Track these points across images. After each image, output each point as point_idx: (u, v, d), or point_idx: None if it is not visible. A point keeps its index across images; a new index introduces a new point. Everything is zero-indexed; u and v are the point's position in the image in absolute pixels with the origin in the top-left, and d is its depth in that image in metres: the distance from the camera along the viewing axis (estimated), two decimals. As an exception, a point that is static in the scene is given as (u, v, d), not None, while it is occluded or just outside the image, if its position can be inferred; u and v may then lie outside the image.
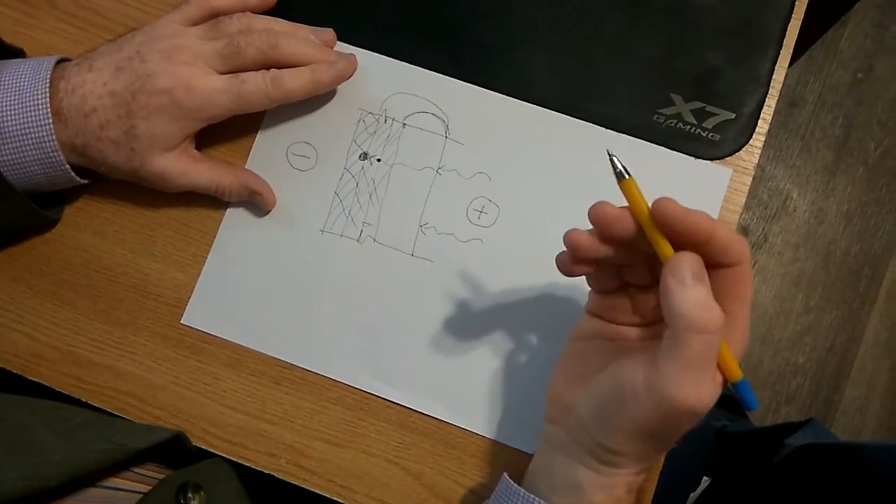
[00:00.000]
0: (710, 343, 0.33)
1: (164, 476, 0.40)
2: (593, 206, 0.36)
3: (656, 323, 0.39)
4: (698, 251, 0.34)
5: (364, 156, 0.49)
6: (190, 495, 0.38)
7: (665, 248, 0.35)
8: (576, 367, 0.40)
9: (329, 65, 0.46)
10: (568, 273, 0.39)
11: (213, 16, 0.47)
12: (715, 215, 0.47)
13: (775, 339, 1.27)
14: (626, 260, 0.38)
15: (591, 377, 0.39)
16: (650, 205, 0.35)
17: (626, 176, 0.36)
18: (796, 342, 1.27)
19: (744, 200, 0.48)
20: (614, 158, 0.36)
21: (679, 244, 0.35)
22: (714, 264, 0.35)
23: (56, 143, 0.42)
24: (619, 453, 0.36)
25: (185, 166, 0.45)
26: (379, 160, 0.49)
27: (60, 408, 0.42)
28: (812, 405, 1.25)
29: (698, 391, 0.33)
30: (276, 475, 0.46)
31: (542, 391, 0.45)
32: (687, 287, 0.33)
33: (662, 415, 0.34)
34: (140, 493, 0.38)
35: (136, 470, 0.40)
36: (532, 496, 0.38)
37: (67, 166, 0.43)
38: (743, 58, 0.49)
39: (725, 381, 0.36)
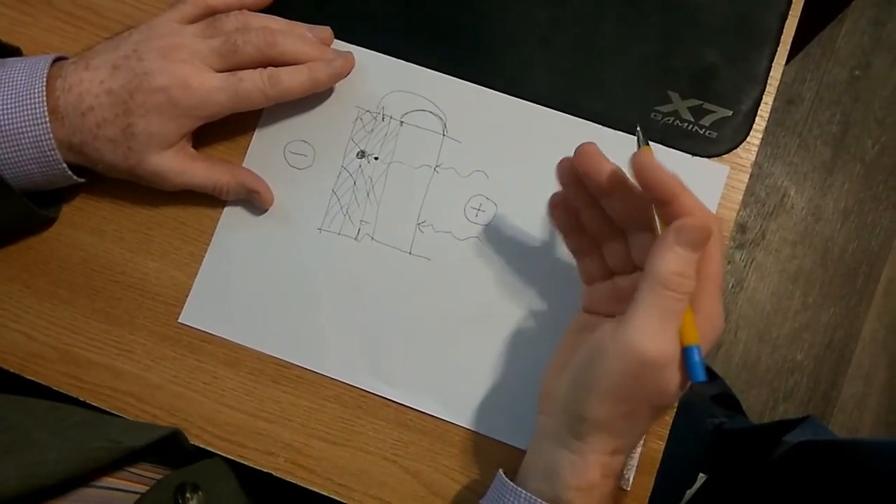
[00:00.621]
0: (676, 300, 0.35)
1: (161, 476, 0.40)
2: (583, 143, 0.39)
3: None
4: (664, 213, 0.37)
5: (361, 154, 0.49)
6: (188, 495, 0.38)
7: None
8: (564, 358, 0.41)
9: (326, 63, 0.46)
10: (553, 207, 0.43)
11: (210, 14, 0.47)
12: (712, 212, 0.47)
13: (773, 336, 1.27)
14: (602, 228, 0.41)
15: (571, 360, 0.40)
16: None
17: (644, 145, 0.39)
18: (794, 339, 1.27)
19: (741, 198, 0.48)
20: (640, 132, 0.40)
21: (651, 200, 0.37)
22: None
23: (53, 141, 0.42)
24: (591, 421, 0.37)
25: (182, 165, 0.45)
26: (376, 158, 0.49)
27: (57, 408, 0.42)
28: (810, 402, 1.25)
29: (657, 341, 0.35)
30: (274, 474, 0.46)
31: (538, 389, 0.45)
32: (677, 253, 0.35)
33: (626, 367, 0.35)
34: (137, 493, 0.38)
35: (134, 470, 0.40)
36: (521, 490, 0.38)
37: (65, 165, 0.43)
38: (740, 55, 0.49)
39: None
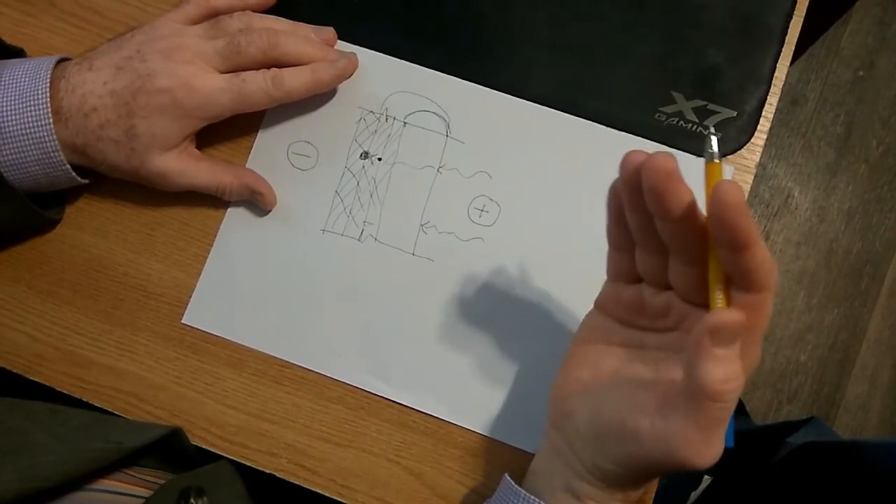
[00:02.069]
0: (723, 409, 0.32)
1: (164, 480, 0.40)
2: (660, 153, 0.32)
3: (662, 331, 0.38)
4: (727, 256, 0.32)
5: (365, 155, 0.49)
6: (192, 500, 0.38)
7: (716, 271, 0.33)
8: (579, 372, 0.40)
9: (330, 64, 0.46)
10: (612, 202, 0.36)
11: (213, 15, 0.47)
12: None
13: (777, 338, 1.27)
14: (644, 238, 0.35)
15: (594, 385, 0.38)
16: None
17: (716, 160, 0.33)
18: (798, 340, 1.26)
19: (745, 199, 0.48)
20: (713, 138, 0.34)
21: (714, 237, 0.32)
22: (737, 282, 0.33)
23: (56, 142, 0.42)
24: (612, 475, 0.36)
25: (185, 166, 0.45)
26: (380, 159, 0.49)
27: (58, 410, 0.42)
28: (814, 403, 1.25)
29: (705, 450, 0.33)
30: (276, 475, 0.46)
31: (543, 390, 0.45)
32: (719, 359, 0.31)
33: (664, 463, 0.34)
34: (140, 496, 0.38)
35: (136, 473, 0.40)
36: (533, 498, 0.38)
37: (68, 166, 0.43)
38: (744, 56, 0.49)
39: (739, 423, 0.36)
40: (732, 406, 0.32)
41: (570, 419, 0.38)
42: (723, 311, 0.31)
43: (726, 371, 0.31)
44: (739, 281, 0.32)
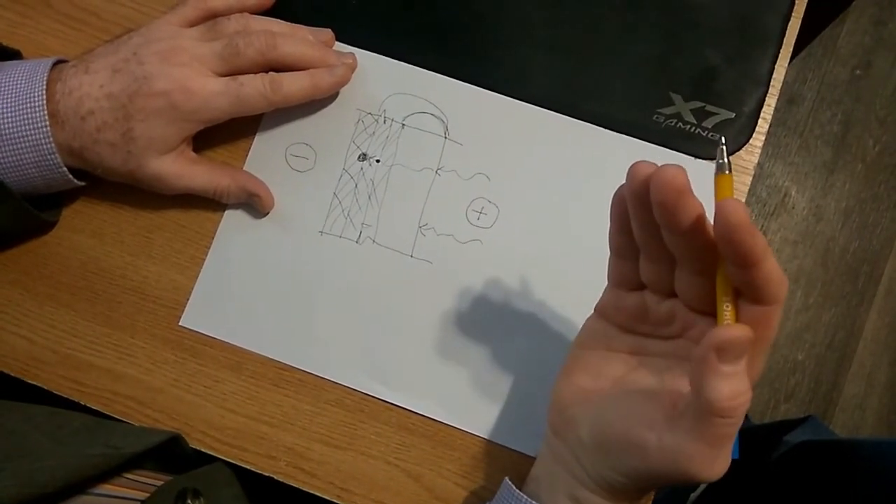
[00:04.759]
0: (731, 424, 0.31)
1: (161, 482, 0.40)
2: (670, 166, 0.31)
3: (666, 338, 0.37)
4: (735, 272, 0.31)
5: (363, 157, 0.49)
6: (189, 501, 0.38)
7: (724, 283, 0.32)
8: (580, 379, 0.39)
9: (328, 70, 0.46)
10: (616, 207, 0.36)
11: (211, 17, 0.47)
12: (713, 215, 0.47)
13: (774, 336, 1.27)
14: (650, 248, 0.35)
15: (597, 394, 0.38)
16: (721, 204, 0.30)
17: (727, 171, 0.33)
18: (795, 339, 1.27)
19: (743, 200, 0.48)
20: (723, 148, 0.33)
21: (721, 253, 0.32)
22: (745, 294, 0.32)
23: (53, 145, 0.42)
24: (617, 485, 0.36)
25: (182, 169, 0.45)
26: (378, 161, 0.49)
27: (57, 413, 0.42)
28: (811, 402, 1.25)
29: (713, 465, 0.32)
30: (275, 477, 0.46)
31: (542, 393, 0.45)
32: (726, 376, 0.30)
33: (670, 476, 0.33)
34: (137, 500, 0.38)
35: (133, 477, 0.40)
36: (534, 503, 0.38)
37: (65, 169, 0.43)
38: (742, 57, 0.49)
39: None
40: (740, 421, 0.32)
41: (573, 428, 0.38)
42: (731, 328, 0.30)
43: (733, 388, 0.31)
44: (748, 294, 0.32)
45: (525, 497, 0.38)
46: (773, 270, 0.31)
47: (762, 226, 1.30)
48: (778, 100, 0.49)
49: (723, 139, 0.34)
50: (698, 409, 0.31)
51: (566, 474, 0.38)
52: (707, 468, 0.32)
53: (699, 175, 0.47)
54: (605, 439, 0.36)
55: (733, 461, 0.34)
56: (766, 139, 0.49)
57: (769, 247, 0.31)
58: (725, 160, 0.33)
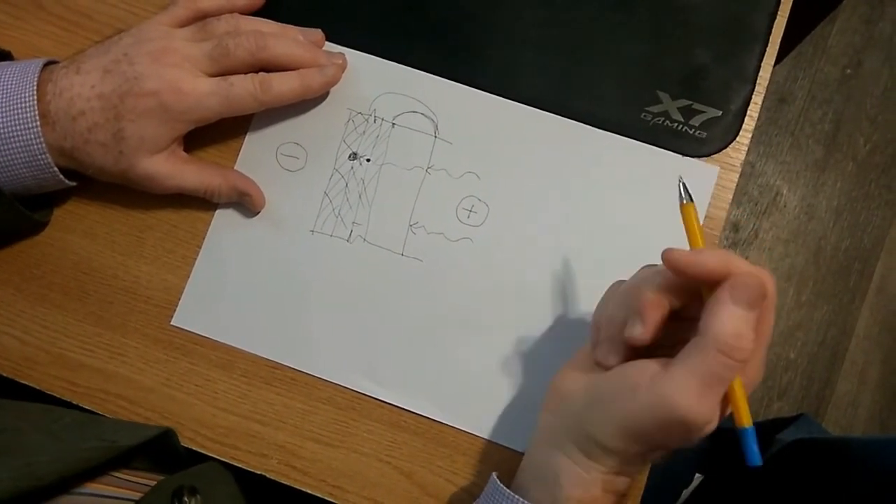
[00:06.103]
0: (727, 367, 0.33)
1: (154, 482, 0.40)
2: (671, 252, 0.35)
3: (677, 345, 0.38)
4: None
5: (353, 156, 0.49)
6: (185, 499, 0.38)
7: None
8: (585, 364, 0.40)
9: (319, 70, 0.46)
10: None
11: (201, 17, 0.47)
12: (703, 212, 0.47)
13: (767, 335, 1.27)
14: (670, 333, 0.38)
15: (598, 373, 0.39)
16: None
17: (688, 201, 0.37)
18: (787, 337, 1.27)
19: (731, 197, 0.48)
20: (681, 185, 0.38)
21: (702, 285, 0.35)
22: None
23: (44, 145, 0.42)
24: (603, 447, 0.36)
25: (173, 168, 0.45)
26: (368, 160, 0.49)
27: (50, 409, 0.42)
28: (803, 400, 1.26)
29: (698, 404, 0.33)
30: (267, 476, 0.46)
31: (533, 389, 0.45)
32: (736, 313, 0.33)
33: (657, 417, 0.34)
34: (131, 500, 0.38)
35: (126, 477, 0.40)
36: (516, 497, 0.38)
37: (56, 169, 0.43)
38: (729, 55, 0.49)
39: (730, 420, 0.36)
40: (734, 372, 0.33)
41: (568, 398, 0.39)
42: (742, 273, 0.33)
43: (739, 327, 0.33)
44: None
45: (510, 492, 0.39)
46: (746, 269, 0.34)
47: (754, 224, 1.30)
48: (769, 99, 0.50)
49: (680, 178, 0.38)
50: (699, 342, 0.33)
51: (550, 449, 0.39)
52: (694, 407, 0.33)
53: (686, 171, 0.48)
54: (598, 392, 0.37)
55: (734, 461, 0.35)
56: (757, 138, 0.50)
57: (731, 254, 0.34)
58: (683, 192, 0.38)
